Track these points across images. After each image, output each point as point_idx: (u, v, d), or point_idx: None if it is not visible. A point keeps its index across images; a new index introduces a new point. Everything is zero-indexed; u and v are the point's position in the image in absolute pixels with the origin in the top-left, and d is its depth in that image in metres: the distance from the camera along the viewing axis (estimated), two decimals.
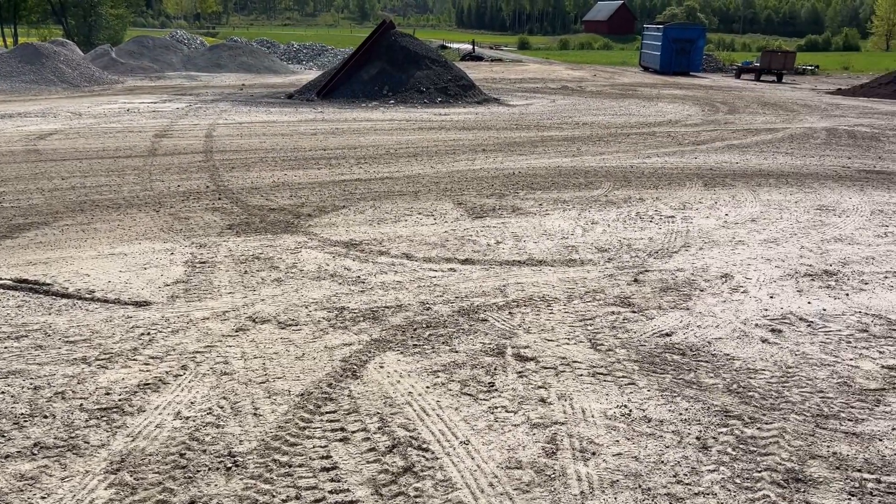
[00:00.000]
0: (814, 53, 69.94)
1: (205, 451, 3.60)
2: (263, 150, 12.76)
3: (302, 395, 4.16)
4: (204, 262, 6.53)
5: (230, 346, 4.80)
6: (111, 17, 45.07)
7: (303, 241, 7.29)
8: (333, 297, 5.76)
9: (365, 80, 21.96)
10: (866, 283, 6.36)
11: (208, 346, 4.80)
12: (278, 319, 5.27)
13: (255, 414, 3.95)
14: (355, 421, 3.89)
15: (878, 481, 3.46)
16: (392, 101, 20.90)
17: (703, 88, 29.85)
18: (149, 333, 4.98)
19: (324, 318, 5.32)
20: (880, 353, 4.95)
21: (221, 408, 4.01)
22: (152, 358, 4.61)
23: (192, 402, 4.06)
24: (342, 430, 3.81)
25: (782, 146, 14.56)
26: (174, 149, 12.69)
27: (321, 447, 3.65)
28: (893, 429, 3.94)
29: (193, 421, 3.88)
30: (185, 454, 3.57)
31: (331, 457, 3.56)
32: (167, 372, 4.42)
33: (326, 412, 3.98)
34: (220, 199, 9.05)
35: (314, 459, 3.54)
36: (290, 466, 3.48)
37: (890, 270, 6.74)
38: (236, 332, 5.04)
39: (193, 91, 24.50)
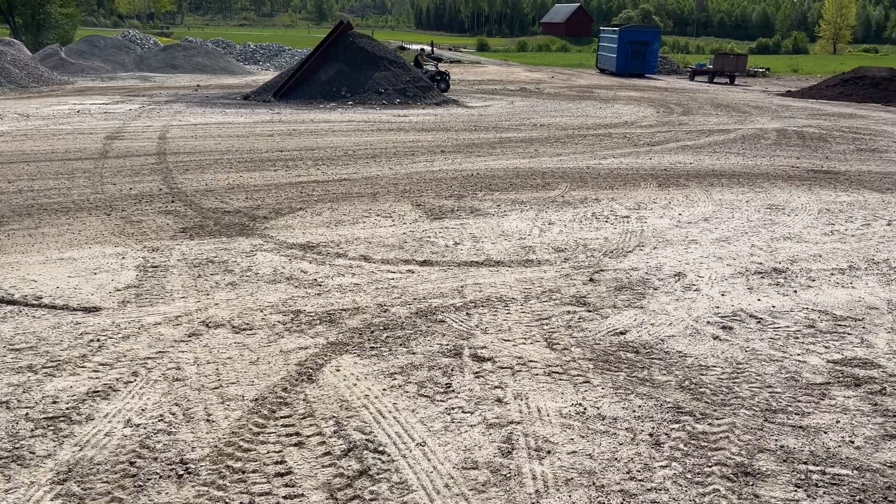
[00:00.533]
0: (765, 56, 71.67)
1: (156, 458, 3.54)
2: (218, 151, 12.58)
3: (256, 400, 4.11)
4: (156, 267, 6.41)
5: (183, 352, 4.72)
6: (60, 16, 43.92)
7: (258, 243, 7.21)
8: (289, 300, 5.70)
9: (323, 81, 21.80)
10: (813, 281, 6.54)
11: (160, 351, 4.71)
12: (232, 324, 5.19)
13: (207, 420, 3.89)
14: (310, 425, 3.86)
15: (823, 473, 3.56)
16: (350, 103, 20.80)
17: (658, 90, 30.35)
18: (98, 340, 4.87)
19: (279, 321, 5.26)
20: (826, 348, 5.09)
21: (173, 414, 3.94)
22: (102, 365, 4.51)
23: (142, 409, 3.98)
24: (297, 434, 3.77)
25: (734, 147, 14.88)
26: (126, 151, 12.43)
27: (275, 452, 3.61)
28: (838, 422, 4.06)
29: (144, 428, 3.80)
30: (135, 462, 3.50)
31: (285, 462, 3.53)
32: (117, 379, 4.33)
33: (281, 417, 3.93)
34: (173, 201, 8.89)
35: (268, 465, 3.50)
36: (243, 472, 3.43)
37: (836, 267, 6.94)
38: (189, 337, 4.95)
39: (147, 92, 24.03)
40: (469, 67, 44.75)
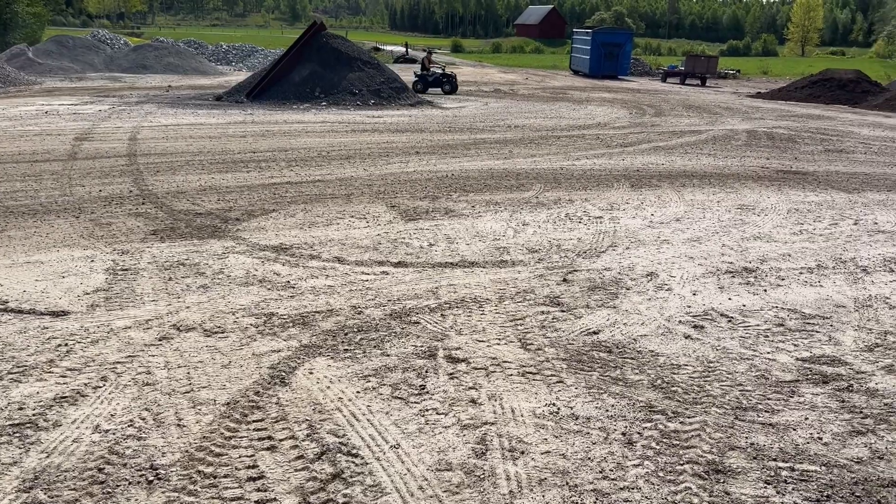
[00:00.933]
0: (735, 58, 72.65)
1: (125, 464, 3.48)
2: (190, 153, 12.44)
3: (228, 404, 4.06)
4: (126, 270, 6.32)
5: (153, 356, 4.65)
6: (28, 16, 43.09)
7: (230, 246, 7.14)
8: (262, 302, 5.65)
9: (296, 82, 21.67)
10: (783, 279, 6.63)
11: (130, 356, 4.65)
12: (204, 327, 5.13)
13: (178, 425, 3.84)
14: (283, 429, 3.83)
15: (792, 469, 3.61)
16: (324, 103, 20.70)
17: (630, 92, 30.62)
18: (66, 344, 4.78)
19: (251, 324, 5.21)
20: (795, 346, 5.16)
21: (143, 419, 3.88)
22: (70, 370, 4.43)
23: (111, 415, 3.92)
24: (269, 438, 3.74)
25: (705, 148, 15.06)
26: (96, 152, 12.24)
27: (247, 457, 3.57)
28: (807, 419, 4.12)
29: (113, 434, 3.74)
30: (103, 469, 3.44)
31: (257, 466, 3.49)
32: (86, 384, 4.25)
33: (253, 421, 3.90)
34: (143, 203, 8.77)
35: (240, 469, 3.46)
36: (214, 477, 3.39)
37: (805, 266, 7.05)
38: (160, 340, 4.89)
39: (117, 93, 23.70)
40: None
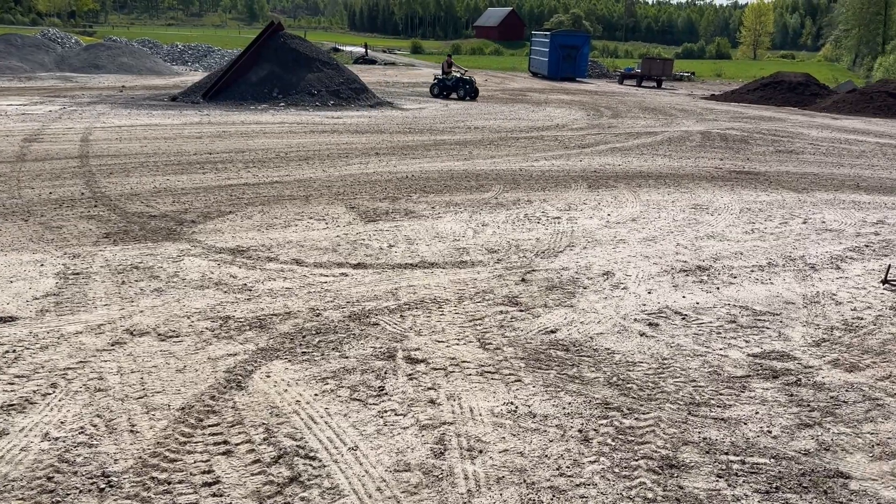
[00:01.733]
0: (690, 60, 74.03)
1: (76, 472, 3.41)
2: (144, 154, 12.21)
3: (183, 409, 4.00)
4: (77, 274, 6.17)
5: (105, 361, 4.56)
6: None
7: (186, 248, 7.02)
8: (218, 306, 5.58)
9: (254, 82, 21.42)
10: (735, 277, 6.79)
11: (81, 361, 4.54)
12: (158, 331, 5.05)
13: (131, 431, 3.76)
14: (240, 433, 3.78)
15: (743, 462, 3.70)
16: (282, 104, 20.50)
17: (588, 94, 30.99)
18: (14, 351, 4.65)
19: (207, 328, 5.14)
20: (746, 342, 5.29)
21: (95, 426, 3.80)
22: (18, 377, 4.31)
23: (62, 422, 3.83)
24: (225, 443, 3.69)
25: (661, 149, 15.32)
26: (46, 154, 11.93)
27: (203, 462, 3.52)
28: (757, 413, 4.22)
29: (63, 442, 3.65)
30: (53, 477, 3.36)
31: (213, 471, 3.45)
32: (34, 391, 4.15)
33: (209, 425, 3.84)
34: (96, 206, 8.58)
35: (195, 475, 3.42)
36: (169, 483, 3.34)
37: (756, 264, 7.22)
38: (112, 345, 4.79)
39: (68, 93, 23.13)
40: (403, 70, 44.73)
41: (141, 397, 4.12)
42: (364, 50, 53.51)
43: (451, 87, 25.63)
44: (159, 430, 3.78)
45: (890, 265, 7.14)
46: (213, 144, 13.51)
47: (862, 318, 5.87)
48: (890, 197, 11.22)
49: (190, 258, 6.72)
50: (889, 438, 3.99)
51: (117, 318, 5.24)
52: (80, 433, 3.73)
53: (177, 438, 3.70)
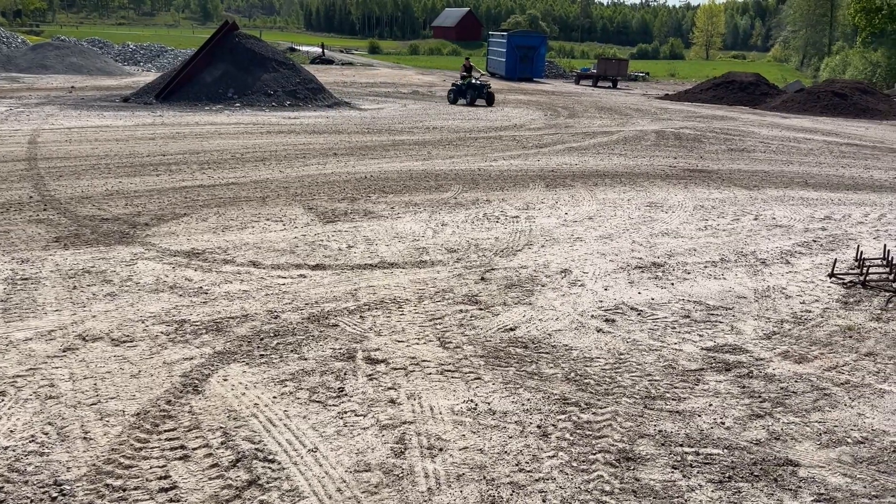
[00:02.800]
0: (644, 61, 75.24)
1: (26, 482, 3.32)
2: (95, 156, 11.94)
3: (138, 414, 3.93)
4: (26, 279, 6.01)
5: (57, 368, 4.45)
6: None
7: (139, 252, 6.89)
8: (173, 309, 5.49)
9: (208, 83, 21.11)
10: (689, 273, 6.93)
11: (31, 368, 4.43)
12: (111, 336, 4.95)
13: (84, 438, 3.68)
14: (196, 437, 3.73)
15: (697, 453, 3.78)
16: (238, 105, 20.25)
17: (545, 94, 31.28)
18: None
19: (162, 332, 5.06)
20: (700, 336, 5.40)
21: (46, 434, 3.71)
22: None
23: (11, 431, 3.73)
24: (182, 447, 3.64)
25: (617, 148, 15.55)
26: None
27: (159, 467, 3.47)
28: (710, 405, 4.32)
29: (13, 451, 3.56)
30: (2, 487, 3.27)
31: (170, 476, 3.40)
32: None
33: (165, 430, 3.78)
34: (45, 209, 8.36)
35: (151, 480, 3.36)
36: (124, 490, 3.28)
37: (709, 260, 7.38)
38: (64, 352, 4.68)
39: (14, 94, 22.48)
40: (361, 70, 44.54)
41: (94, 404, 4.03)
42: (321, 50, 53.11)
43: (470, 93, 24.06)
44: (113, 436, 3.71)
45: (836, 259, 7.37)
46: (166, 146, 13.27)
47: (810, 311, 6.05)
48: (836, 193, 11.58)
49: (144, 262, 6.60)
50: (836, 426, 4.12)
51: (69, 324, 5.12)
52: (30, 441, 3.64)
53: (132, 444, 3.64)
